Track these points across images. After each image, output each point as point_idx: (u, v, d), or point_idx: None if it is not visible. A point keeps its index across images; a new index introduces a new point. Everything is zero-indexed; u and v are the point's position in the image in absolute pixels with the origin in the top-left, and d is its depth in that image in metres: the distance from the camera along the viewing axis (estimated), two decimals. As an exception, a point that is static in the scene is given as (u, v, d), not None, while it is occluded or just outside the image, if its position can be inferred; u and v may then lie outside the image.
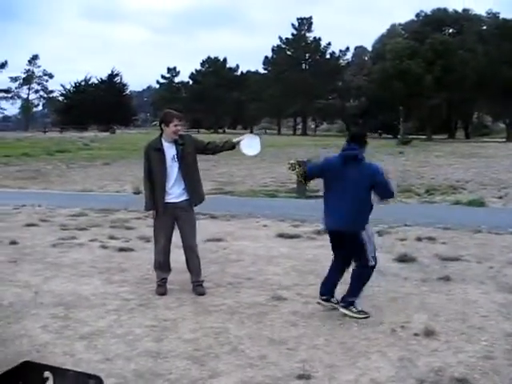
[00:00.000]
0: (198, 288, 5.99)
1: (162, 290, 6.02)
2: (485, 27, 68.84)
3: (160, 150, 5.82)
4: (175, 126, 5.80)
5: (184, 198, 5.89)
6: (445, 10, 69.29)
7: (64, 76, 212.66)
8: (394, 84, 61.24)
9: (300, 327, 5.00)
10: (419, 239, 8.89)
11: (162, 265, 6.08)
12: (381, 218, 10.61)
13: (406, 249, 8.09)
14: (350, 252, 5.38)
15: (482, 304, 5.63)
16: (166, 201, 5.85)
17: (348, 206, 5.13)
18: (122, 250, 8.06)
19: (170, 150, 5.83)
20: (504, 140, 61.88)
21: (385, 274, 6.78)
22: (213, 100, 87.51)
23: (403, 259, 7.42)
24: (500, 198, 14.74)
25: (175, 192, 5.86)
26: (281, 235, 9.20)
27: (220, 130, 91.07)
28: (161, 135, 5.94)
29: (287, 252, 8.03)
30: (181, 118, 5.97)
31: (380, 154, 35.96)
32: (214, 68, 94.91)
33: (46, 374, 1.82)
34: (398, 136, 57.99)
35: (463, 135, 77.90)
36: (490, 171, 22.52)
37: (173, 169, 5.83)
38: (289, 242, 8.73)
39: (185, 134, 6.14)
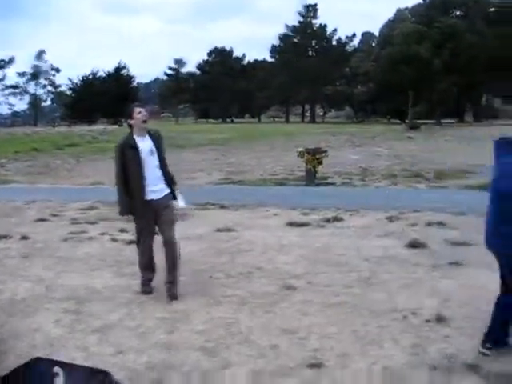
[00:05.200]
0: (171, 289, 5.58)
1: (148, 288, 5.81)
2: (492, 9, 68.11)
3: (134, 147, 5.51)
4: (139, 113, 5.51)
5: (164, 193, 5.62)
6: (452, -8, 68.58)
7: (73, 70, 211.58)
8: (402, 69, 60.79)
9: (311, 316, 4.99)
10: (429, 224, 8.85)
11: (149, 265, 5.85)
12: (390, 204, 10.62)
13: (417, 234, 8.07)
14: None
15: (492, 289, 5.58)
16: (146, 199, 5.54)
17: None
18: (131, 242, 7.96)
19: (144, 145, 5.54)
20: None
21: (395, 259, 6.77)
22: (220, 90, 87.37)
23: (414, 245, 7.40)
24: None
25: (154, 189, 5.56)
26: (291, 224, 9.18)
27: (228, 120, 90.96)
28: (130, 133, 5.64)
29: (297, 241, 8.01)
30: (142, 105, 5.78)
31: (388, 139, 35.92)
32: (220, 58, 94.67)
33: (56, 369, 1.82)
34: (406, 121, 57.82)
35: (472, 119, 77.26)
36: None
37: (149, 164, 5.53)
38: (299, 231, 8.71)
39: (155, 130, 5.84)
